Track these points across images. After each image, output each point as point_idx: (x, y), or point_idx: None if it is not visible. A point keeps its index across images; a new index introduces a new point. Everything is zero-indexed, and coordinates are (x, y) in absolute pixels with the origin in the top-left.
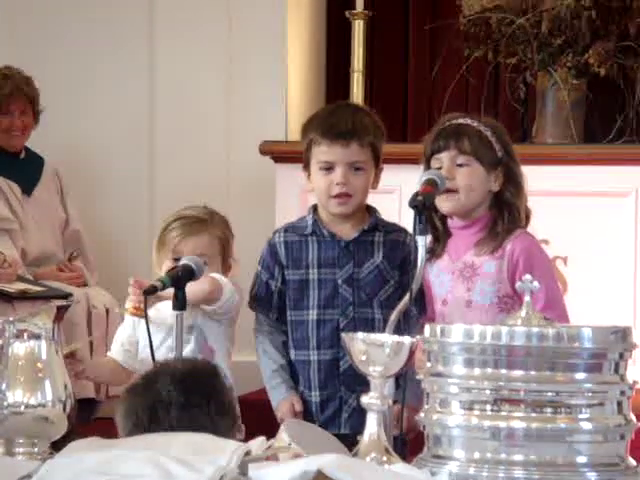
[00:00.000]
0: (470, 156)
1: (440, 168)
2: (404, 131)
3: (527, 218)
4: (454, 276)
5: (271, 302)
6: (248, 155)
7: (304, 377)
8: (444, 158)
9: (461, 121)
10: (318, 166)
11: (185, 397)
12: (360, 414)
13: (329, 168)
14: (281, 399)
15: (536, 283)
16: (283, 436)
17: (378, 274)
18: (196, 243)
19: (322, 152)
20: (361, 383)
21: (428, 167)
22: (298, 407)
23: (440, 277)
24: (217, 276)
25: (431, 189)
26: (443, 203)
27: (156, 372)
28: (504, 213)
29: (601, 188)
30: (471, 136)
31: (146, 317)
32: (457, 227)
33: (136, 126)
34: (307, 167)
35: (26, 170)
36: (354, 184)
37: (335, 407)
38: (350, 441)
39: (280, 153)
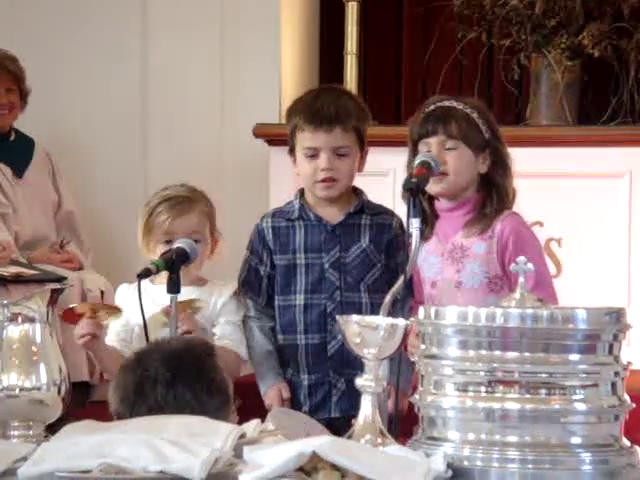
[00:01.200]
0: (458, 140)
1: (428, 152)
2: (398, 114)
3: (513, 198)
4: (443, 258)
5: (260, 287)
6: (242, 138)
7: (293, 361)
8: (432, 143)
9: (447, 104)
10: (303, 152)
11: (172, 374)
12: (349, 397)
13: (314, 154)
14: (268, 386)
15: (530, 265)
16: (269, 426)
17: (365, 258)
18: (187, 222)
19: (306, 138)
20: (349, 366)
21: (415, 150)
22: (285, 394)
23: (428, 259)
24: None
25: (425, 171)
26: (432, 185)
27: (148, 349)
28: (493, 194)
29: (595, 170)
30: (459, 120)
31: (140, 300)
32: (445, 209)
33: (129, 108)
34: (292, 152)
35: (17, 152)
36: (339, 169)
37: (324, 391)
38: (341, 424)
39: (274, 136)
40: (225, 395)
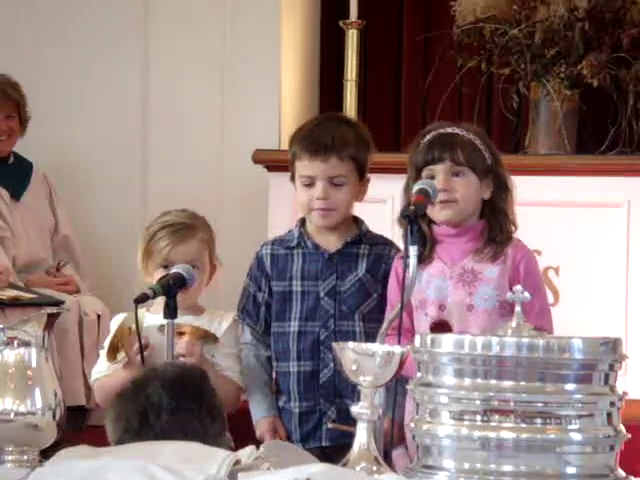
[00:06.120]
0: (465, 167)
1: (433, 178)
2: (397, 141)
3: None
4: (453, 281)
5: (258, 314)
6: (241, 163)
7: (285, 388)
8: (439, 170)
9: (449, 131)
10: (300, 181)
11: (176, 401)
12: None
13: (310, 183)
14: (262, 417)
15: (527, 294)
16: (265, 453)
17: (360, 287)
18: (186, 250)
19: (303, 167)
20: (340, 395)
21: (418, 177)
22: (282, 433)
23: (433, 282)
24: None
25: (423, 199)
26: (439, 213)
27: (145, 377)
28: (500, 220)
29: (593, 199)
30: (464, 146)
31: (137, 323)
32: (448, 235)
33: (128, 134)
34: (293, 180)
35: (15, 175)
36: (335, 198)
37: (315, 421)
38: (331, 453)
39: (273, 162)
40: (224, 419)
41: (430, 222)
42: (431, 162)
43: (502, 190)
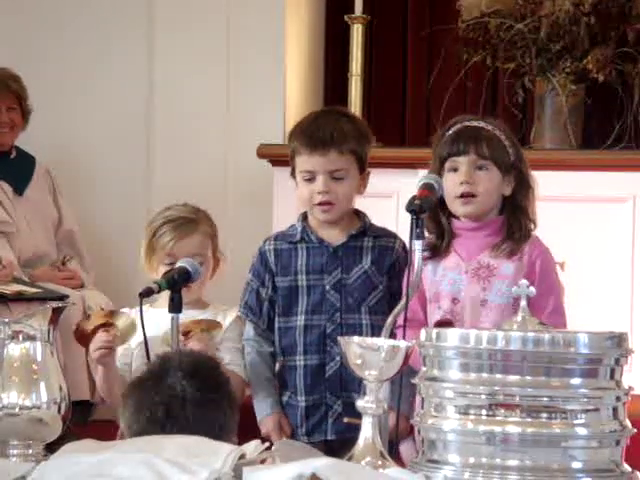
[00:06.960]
0: (489, 160)
1: (456, 170)
2: (402, 135)
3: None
4: (468, 275)
5: (261, 310)
6: (246, 158)
7: (291, 382)
8: (463, 162)
9: (475, 124)
10: (301, 175)
11: (201, 393)
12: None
13: (311, 178)
14: (267, 415)
15: (532, 288)
16: (275, 456)
17: (366, 279)
18: (190, 244)
19: (303, 161)
20: (346, 389)
21: (441, 169)
22: (287, 430)
23: (448, 276)
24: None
25: (428, 193)
26: (460, 207)
27: (163, 367)
28: (519, 218)
29: (599, 194)
30: (489, 141)
31: (141, 318)
32: (466, 229)
33: (133, 127)
34: (294, 175)
35: (17, 169)
36: (336, 192)
37: (321, 414)
38: (336, 446)
39: (278, 156)
40: (238, 410)
41: (450, 215)
42: (455, 154)
43: (523, 187)
